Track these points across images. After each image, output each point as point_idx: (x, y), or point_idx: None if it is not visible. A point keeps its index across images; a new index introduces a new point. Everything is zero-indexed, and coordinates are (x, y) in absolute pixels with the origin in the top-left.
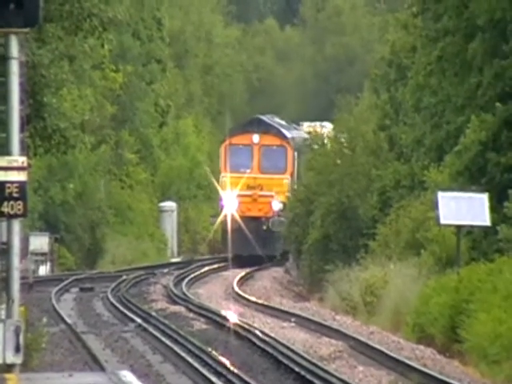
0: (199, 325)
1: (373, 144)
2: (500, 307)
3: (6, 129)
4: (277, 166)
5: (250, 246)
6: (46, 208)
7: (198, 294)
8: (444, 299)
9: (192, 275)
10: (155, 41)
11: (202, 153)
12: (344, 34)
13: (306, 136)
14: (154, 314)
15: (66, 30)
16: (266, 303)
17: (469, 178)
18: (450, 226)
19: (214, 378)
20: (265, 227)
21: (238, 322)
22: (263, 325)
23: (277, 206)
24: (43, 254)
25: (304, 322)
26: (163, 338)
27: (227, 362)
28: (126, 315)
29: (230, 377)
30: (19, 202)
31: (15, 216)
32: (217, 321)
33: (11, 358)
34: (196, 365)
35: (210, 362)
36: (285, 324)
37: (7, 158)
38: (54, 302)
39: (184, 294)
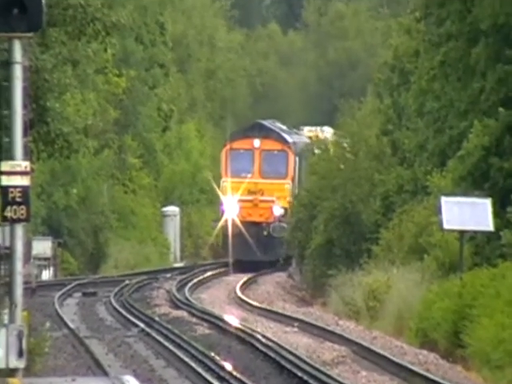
0: (202, 329)
1: (376, 149)
2: (503, 312)
3: (9, 133)
4: (278, 171)
5: (251, 251)
6: (49, 213)
7: (200, 299)
8: (447, 304)
9: (195, 280)
10: (158, 45)
11: (204, 157)
12: (347, 39)
13: (307, 140)
14: (156, 318)
15: (70, 34)
16: (268, 308)
17: (472, 183)
18: (453, 231)
19: (216, 383)
20: (265, 232)
21: (241, 327)
22: (266, 329)
23: (278, 211)
24: (46, 259)
25: (307, 327)
26: (166, 343)
27: (230, 367)
28: (128, 320)
29: (232, 381)
30: (22, 206)
31: (18, 220)
32: (220, 325)
33: (14, 362)
34: (199, 369)
35: (212, 366)
36: (288, 329)
37: (10, 162)
38: (56, 306)
39: (187, 298)
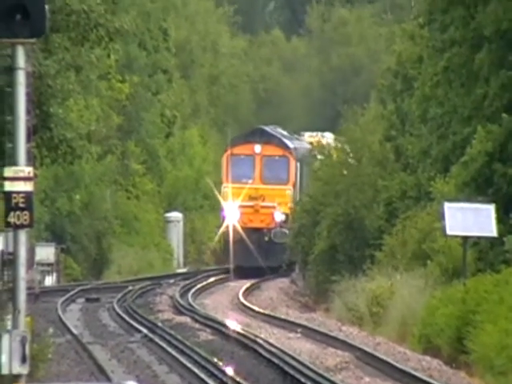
0: (205, 335)
1: (379, 155)
2: (507, 318)
3: (12, 139)
4: (279, 177)
5: (252, 257)
6: (52, 218)
7: (204, 305)
8: (450, 310)
9: (198, 285)
10: (161, 51)
11: (207, 163)
12: (350, 45)
13: (308, 146)
14: (159, 324)
15: (73, 40)
16: (272, 314)
17: (475, 189)
18: (456, 236)
19: None
20: (267, 238)
21: (244, 333)
22: (269, 335)
23: (279, 217)
24: (49, 265)
25: (310, 333)
26: (169, 349)
27: (233, 373)
28: (132, 326)
29: None
30: (25, 212)
31: (21, 226)
32: (223, 331)
33: (17, 368)
34: (202, 375)
35: (215, 372)
36: (291, 335)
37: (14, 168)
38: (60, 312)
39: (190, 304)
